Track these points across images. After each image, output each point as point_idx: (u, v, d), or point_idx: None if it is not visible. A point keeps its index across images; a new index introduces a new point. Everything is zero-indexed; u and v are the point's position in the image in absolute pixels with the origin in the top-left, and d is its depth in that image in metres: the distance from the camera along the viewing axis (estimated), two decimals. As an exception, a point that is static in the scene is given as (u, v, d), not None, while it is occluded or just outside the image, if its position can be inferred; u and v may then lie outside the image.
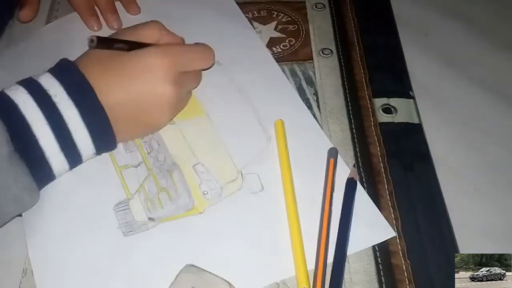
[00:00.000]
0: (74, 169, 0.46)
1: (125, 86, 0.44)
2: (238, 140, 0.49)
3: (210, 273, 0.40)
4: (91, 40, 0.42)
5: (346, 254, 0.42)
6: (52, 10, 0.63)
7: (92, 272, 0.42)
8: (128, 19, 0.59)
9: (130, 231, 0.44)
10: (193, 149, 0.49)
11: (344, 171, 0.47)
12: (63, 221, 0.45)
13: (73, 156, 0.44)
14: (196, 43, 0.51)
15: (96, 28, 0.59)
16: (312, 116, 0.51)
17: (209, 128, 0.50)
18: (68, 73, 0.43)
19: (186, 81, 0.49)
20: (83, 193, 0.46)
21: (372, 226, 0.44)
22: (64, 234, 0.44)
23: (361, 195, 0.46)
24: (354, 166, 0.47)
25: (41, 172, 0.42)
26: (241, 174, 0.47)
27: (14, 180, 0.40)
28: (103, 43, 0.44)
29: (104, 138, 0.45)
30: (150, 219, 0.45)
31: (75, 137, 0.43)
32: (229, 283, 0.40)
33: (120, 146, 0.48)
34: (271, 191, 0.46)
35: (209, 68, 0.51)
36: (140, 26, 0.48)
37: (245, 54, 0.57)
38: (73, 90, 0.42)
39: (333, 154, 0.48)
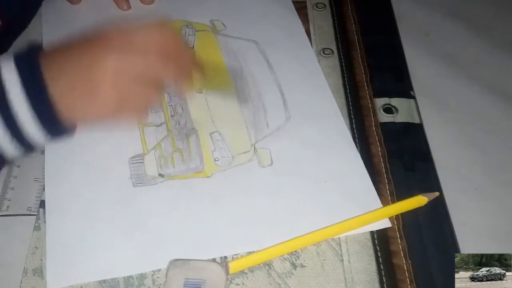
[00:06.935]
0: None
1: (69, 52, 0.41)
2: (258, 116, 0.52)
3: (195, 260, 0.41)
4: None
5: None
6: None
7: (97, 213, 0.45)
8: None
9: (139, 183, 0.47)
10: (213, 118, 0.51)
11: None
12: (81, 164, 0.48)
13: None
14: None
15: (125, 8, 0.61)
16: (334, 101, 0.53)
17: (233, 101, 0.53)
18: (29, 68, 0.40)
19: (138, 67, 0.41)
20: (104, 142, 0.49)
21: None
22: (81, 175, 0.47)
23: (366, 182, 0.47)
24: None
25: None
26: (254, 147, 0.49)
27: None
28: None
29: (42, 102, 0.39)
30: (160, 175, 0.47)
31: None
32: (216, 262, 0.41)
33: None
34: (279, 167, 0.48)
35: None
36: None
37: (283, 37, 0.58)
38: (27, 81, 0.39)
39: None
